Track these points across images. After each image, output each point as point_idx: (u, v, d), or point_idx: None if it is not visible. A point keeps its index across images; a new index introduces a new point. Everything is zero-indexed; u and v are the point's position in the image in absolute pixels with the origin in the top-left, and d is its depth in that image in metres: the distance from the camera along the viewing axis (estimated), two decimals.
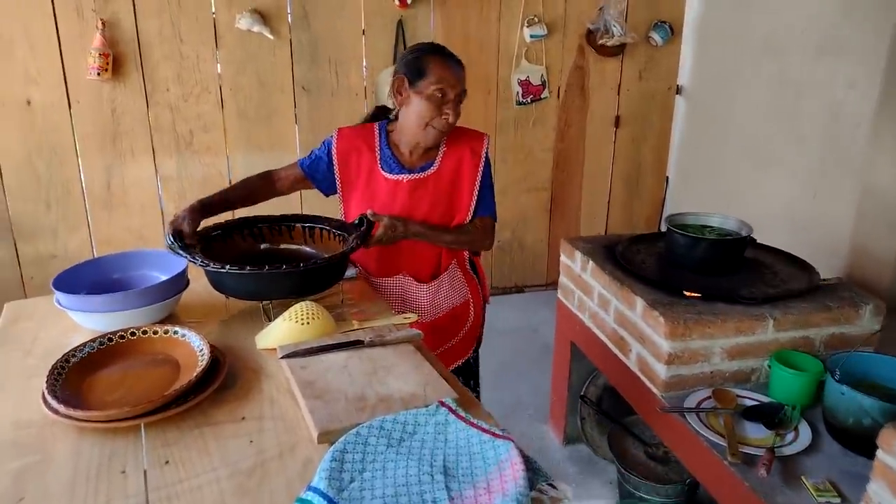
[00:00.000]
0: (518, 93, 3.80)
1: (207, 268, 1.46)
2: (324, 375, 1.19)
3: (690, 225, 2.27)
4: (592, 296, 2.30)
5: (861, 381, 1.70)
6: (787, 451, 1.65)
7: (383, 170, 1.83)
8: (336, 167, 1.86)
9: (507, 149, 3.94)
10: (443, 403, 1.05)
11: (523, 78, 3.78)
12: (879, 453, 1.37)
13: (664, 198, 4.32)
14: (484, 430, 0.99)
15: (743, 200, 3.49)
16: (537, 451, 2.70)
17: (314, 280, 1.52)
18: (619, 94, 4.00)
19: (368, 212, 1.68)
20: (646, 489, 2.22)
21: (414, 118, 1.74)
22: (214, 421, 1.11)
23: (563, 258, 2.54)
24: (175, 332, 1.31)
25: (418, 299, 1.91)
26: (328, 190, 1.93)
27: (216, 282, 1.53)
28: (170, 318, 1.49)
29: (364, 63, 3.58)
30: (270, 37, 3.35)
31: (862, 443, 1.60)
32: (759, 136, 3.38)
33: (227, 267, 1.42)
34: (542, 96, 3.85)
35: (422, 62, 1.71)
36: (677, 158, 4.19)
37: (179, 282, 1.49)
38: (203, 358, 1.21)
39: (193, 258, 1.47)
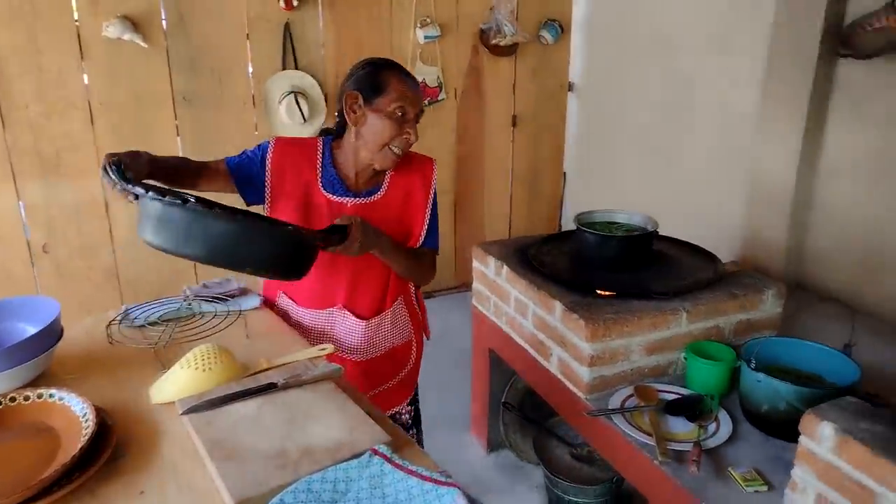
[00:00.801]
0: None
1: (169, 201, 1.19)
2: (234, 430, 1.05)
3: (598, 222, 2.28)
4: (509, 301, 2.26)
5: (772, 365, 1.76)
6: (712, 442, 1.67)
7: (325, 190, 1.65)
8: (268, 175, 1.65)
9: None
10: (376, 451, 0.95)
11: (419, 80, 3.70)
12: (803, 439, 1.40)
13: (562, 195, 4.39)
14: (425, 478, 0.89)
15: (639, 194, 3.60)
16: (461, 462, 2.64)
17: (296, 251, 1.32)
18: (514, 93, 4.01)
19: (338, 219, 1.51)
20: (574, 492, 2.21)
21: (371, 138, 1.58)
22: (107, 501, 0.94)
23: (475, 264, 2.49)
24: (50, 396, 1.12)
25: (351, 338, 1.73)
26: (251, 197, 1.68)
27: (174, 232, 1.21)
28: (42, 378, 1.27)
29: (250, 70, 3.37)
30: (144, 45, 3.08)
31: (779, 427, 1.65)
32: (652, 130, 3.49)
33: (193, 202, 1.18)
34: (439, 98, 3.79)
35: (379, 78, 1.56)
36: (573, 155, 4.27)
37: (51, 333, 1.29)
38: (87, 424, 1.04)
39: (145, 188, 1.22)
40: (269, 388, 1.17)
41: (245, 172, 1.65)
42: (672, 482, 1.56)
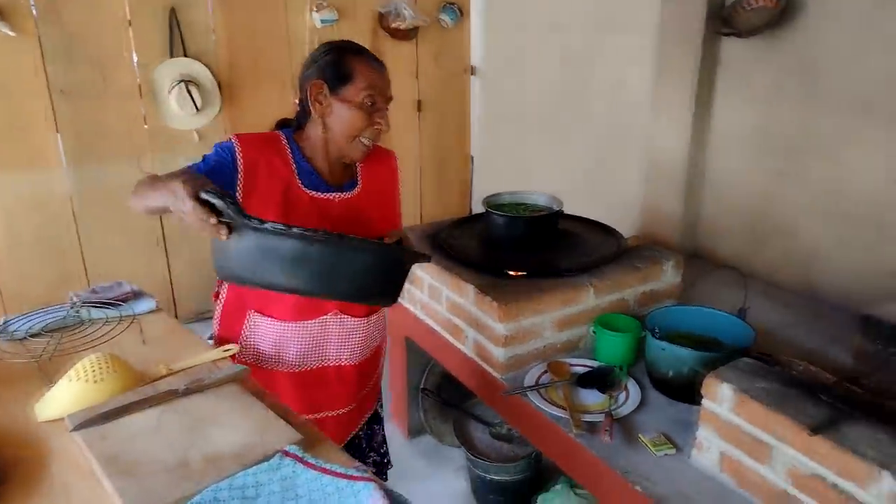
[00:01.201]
0: None
1: (285, 231, 1.12)
2: (131, 443, 0.98)
3: (506, 204, 2.30)
4: (423, 287, 2.25)
5: (674, 332, 1.84)
6: (623, 411, 1.73)
7: (305, 186, 1.51)
8: (241, 176, 1.45)
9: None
10: (286, 453, 0.91)
11: None
12: (705, 401, 1.48)
13: (471, 179, 4.42)
14: (339, 475, 0.86)
15: (544, 175, 3.67)
16: None
17: (389, 274, 1.29)
18: (417, 78, 3.98)
19: (387, 235, 1.48)
20: (495, 470, 2.24)
21: (340, 129, 1.48)
22: None
23: None
24: None
25: (350, 340, 1.63)
26: None
27: (312, 271, 1.16)
28: None
29: (135, 59, 3.16)
30: (11, 34, 2.82)
31: (684, 391, 1.72)
32: (552, 111, 3.56)
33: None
34: None
35: (345, 65, 1.45)
36: (479, 139, 4.30)
37: None
38: None
39: (249, 218, 1.12)
40: (170, 395, 1.10)
41: (220, 179, 1.42)
42: (587, 453, 1.61)
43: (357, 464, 0.92)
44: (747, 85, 2.51)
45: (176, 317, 3.59)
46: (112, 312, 1.48)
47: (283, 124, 1.62)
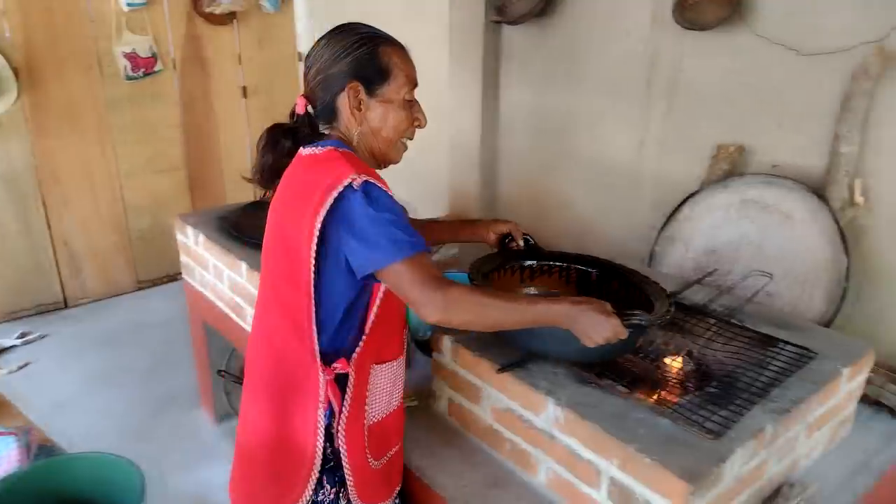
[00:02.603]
0: (126, 67, 3.50)
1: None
2: None
3: None
4: (208, 268, 2.27)
5: None
6: None
7: None
8: None
9: (125, 129, 3.62)
10: None
11: (128, 51, 3.48)
12: (435, 354, 1.61)
13: None
14: None
15: None
16: (193, 436, 2.62)
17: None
18: (241, 63, 3.94)
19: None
20: None
21: (386, 134, 1.29)
22: None
23: (178, 236, 2.44)
24: None
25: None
26: None
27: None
28: None
29: None
30: None
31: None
32: None
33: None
34: (156, 69, 3.60)
35: (382, 59, 1.26)
36: None
37: None
38: None
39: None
40: None
41: None
42: None
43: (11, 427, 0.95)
44: (525, 70, 2.71)
45: None
46: None
47: (283, 131, 1.31)
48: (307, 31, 4.06)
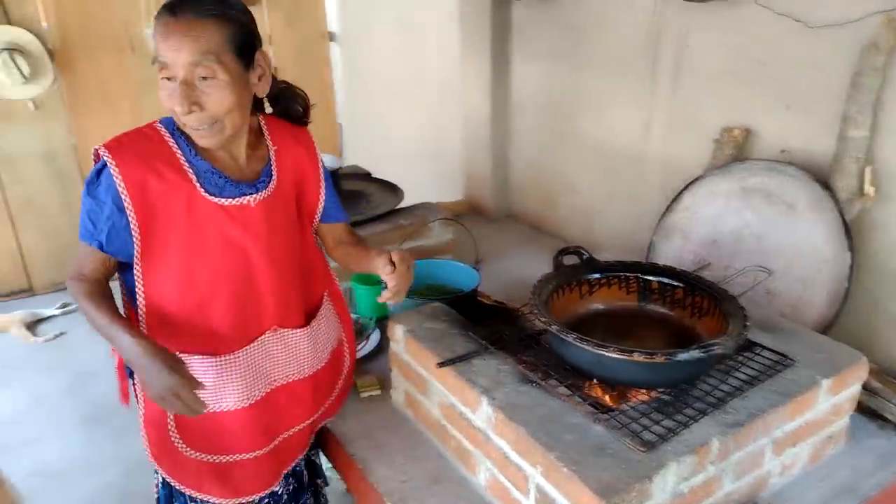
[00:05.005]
0: None
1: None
2: None
3: None
4: None
5: (422, 285, 1.93)
6: (361, 353, 1.81)
7: (209, 193, 1.19)
8: (135, 223, 1.15)
9: (159, 109, 3.69)
10: None
11: None
12: (391, 343, 1.57)
13: (340, 146, 4.44)
14: None
15: (390, 138, 3.73)
16: None
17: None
18: (270, 44, 3.96)
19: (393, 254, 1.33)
20: None
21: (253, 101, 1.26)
22: None
23: None
24: None
25: (299, 351, 1.39)
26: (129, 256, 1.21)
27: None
28: None
29: None
30: None
31: None
32: (394, 75, 3.60)
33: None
34: None
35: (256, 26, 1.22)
36: (345, 105, 4.32)
37: None
38: None
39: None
40: None
41: (116, 240, 1.17)
42: None
43: None
44: (533, 47, 2.59)
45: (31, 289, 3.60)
46: None
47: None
48: (339, 10, 4.04)
